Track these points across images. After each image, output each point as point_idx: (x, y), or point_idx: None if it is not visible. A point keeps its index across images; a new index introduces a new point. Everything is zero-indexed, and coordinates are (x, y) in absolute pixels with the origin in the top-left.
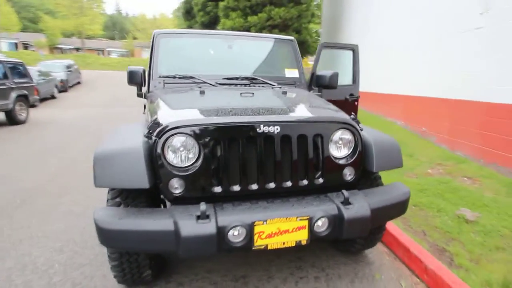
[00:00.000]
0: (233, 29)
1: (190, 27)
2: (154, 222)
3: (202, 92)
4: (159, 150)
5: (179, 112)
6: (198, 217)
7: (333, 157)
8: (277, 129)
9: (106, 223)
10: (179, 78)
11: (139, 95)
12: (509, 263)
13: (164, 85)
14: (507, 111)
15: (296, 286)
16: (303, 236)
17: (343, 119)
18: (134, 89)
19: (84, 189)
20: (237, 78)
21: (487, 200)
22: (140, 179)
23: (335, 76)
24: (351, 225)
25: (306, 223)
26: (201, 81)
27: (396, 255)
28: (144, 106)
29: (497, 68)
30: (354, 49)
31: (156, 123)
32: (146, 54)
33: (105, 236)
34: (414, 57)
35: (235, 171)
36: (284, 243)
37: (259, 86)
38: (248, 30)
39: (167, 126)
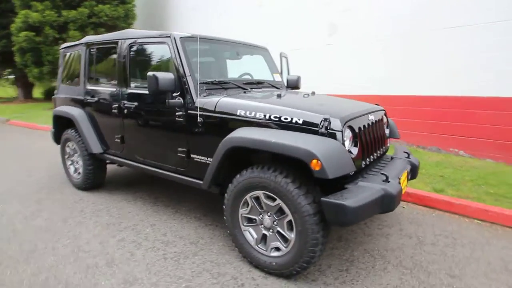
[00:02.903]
0: (41, 23)
1: None
2: (374, 192)
3: (279, 96)
4: (342, 142)
5: (330, 110)
6: (384, 181)
7: (386, 133)
8: (373, 116)
9: (353, 203)
10: (213, 84)
11: (173, 104)
12: (423, 182)
13: (205, 91)
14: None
15: (387, 239)
16: (406, 183)
17: (383, 108)
18: None
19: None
20: (253, 83)
21: None
22: (351, 166)
23: (299, 79)
24: (417, 170)
25: (406, 174)
26: (236, 86)
27: None
28: (188, 115)
29: (348, 71)
30: (286, 57)
31: (326, 120)
32: None
33: (354, 214)
34: None
35: (370, 149)
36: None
37: (269, 88)
38: (65, 26)
39: (343, 121)
